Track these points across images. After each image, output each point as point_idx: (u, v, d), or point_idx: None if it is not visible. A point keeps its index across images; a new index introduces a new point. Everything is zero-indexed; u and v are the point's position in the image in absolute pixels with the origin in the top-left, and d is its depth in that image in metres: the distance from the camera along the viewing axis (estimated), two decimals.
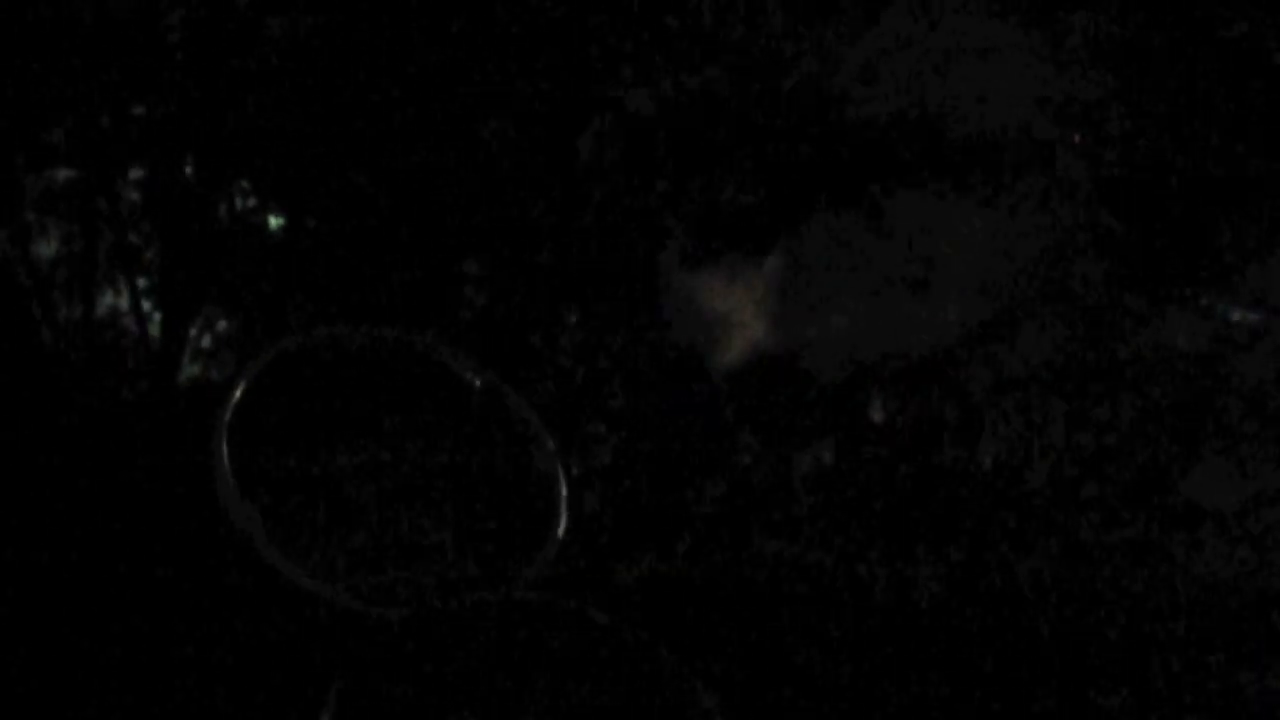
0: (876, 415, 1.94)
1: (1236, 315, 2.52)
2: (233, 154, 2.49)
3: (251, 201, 2.54)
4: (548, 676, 1.67)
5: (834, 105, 1.81)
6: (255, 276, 2.53)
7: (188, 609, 1.71)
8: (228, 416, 1.59)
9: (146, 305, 2.57)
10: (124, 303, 2.56)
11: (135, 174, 2.51)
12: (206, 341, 2.47)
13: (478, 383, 1.73)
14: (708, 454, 2.15)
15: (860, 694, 2.05)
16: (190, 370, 2.38)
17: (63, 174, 2.43)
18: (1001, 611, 2.18)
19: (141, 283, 2.56)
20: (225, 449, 1.58)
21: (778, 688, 2.01)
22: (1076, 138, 2.33)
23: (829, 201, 1.82)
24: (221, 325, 2.49)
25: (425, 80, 2.44)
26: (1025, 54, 2.00)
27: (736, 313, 1.89)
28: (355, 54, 2.42)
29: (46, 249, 2.50)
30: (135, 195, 2.52)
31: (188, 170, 2.49)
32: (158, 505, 1.87)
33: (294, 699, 1.58)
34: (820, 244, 1.84)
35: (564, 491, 1.70)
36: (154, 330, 2.54)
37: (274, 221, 2.52)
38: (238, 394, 1.61)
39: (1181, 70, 2.43)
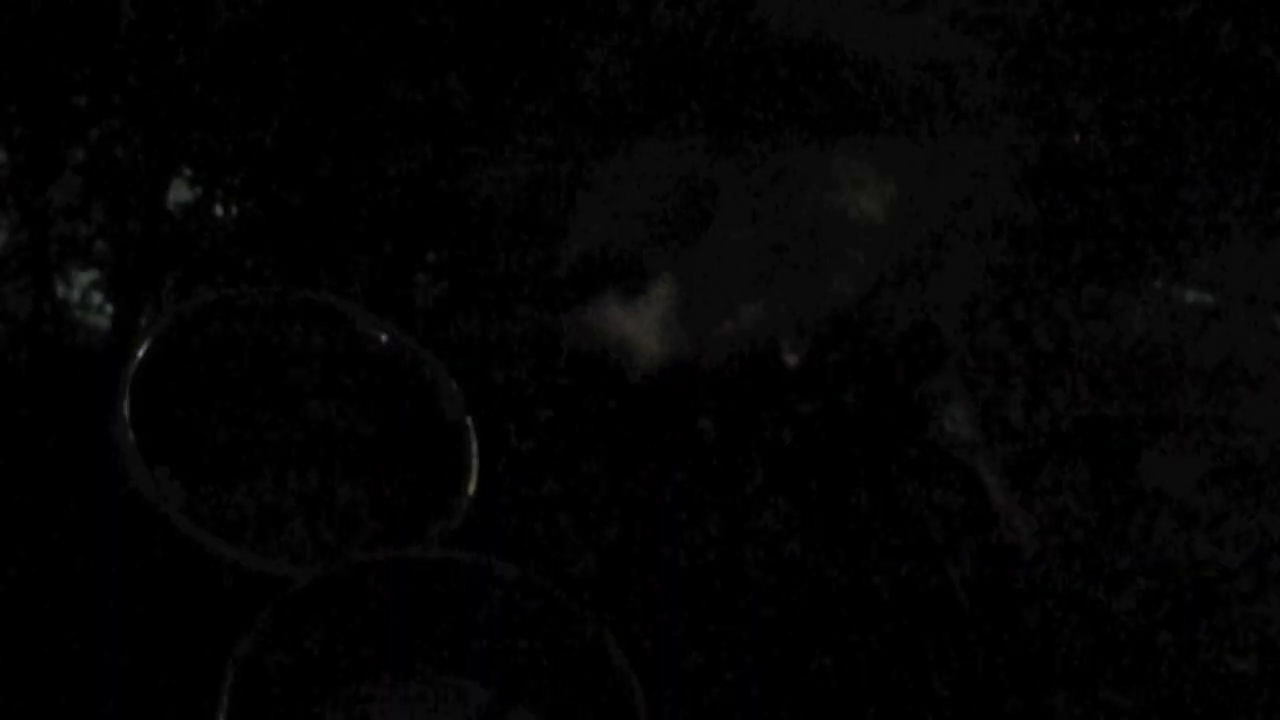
0: (790, 360, 1.93)
1: (1191, 298, 2.51)
2: (183, 143, 2.49)
3: (202, 191, 2.54)
4: (458, 632, 1.66)
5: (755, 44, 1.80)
6: (207, 267, 2.53)
7: (94, 575, 1.71)
8: (129, 379, 1.59)
9: (98, 297, 2.57)
10: (75, 294, 2.56)
11: (84, 164, 2.51)
12: None
13: (383, 338, 1.73)
14: (663, 441, 2.14)
15: (801, 675, 2.03)
16: None
17: (8, 162, 2.43)
18: (955, 596, 2.16)
19: (92, 274, 2.56)
20: (127, 412, 1.57)
21: (714, 666, 2.00)
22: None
23: (726, 196, 1.81)
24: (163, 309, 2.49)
25: (378, 67, 2.44)
26: (953, 11, 2.00)
27: (632, 341, 1.88)
28: (308, 39, 2.43)
29: None
30: (85, 185, 2.52)
31: (138, 160, 2.49)
32: (97, 486, 1.87)
33: (199, 661, 1.57)
34: (711, 252, 1.83)
35: (474, 448, 1.70)
36: (105, 322, 2.54)
37: (225, 211, 2.52)
38: (139, 357, 1.61)
39: (1130, 54, 2.43)
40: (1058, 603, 2.19)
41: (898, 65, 1.87)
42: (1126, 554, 2.28)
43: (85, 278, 2.56)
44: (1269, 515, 2.30)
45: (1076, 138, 2.34)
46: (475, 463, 1.71)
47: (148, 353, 1.62)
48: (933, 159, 1.89)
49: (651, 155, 1.80)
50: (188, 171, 2.50)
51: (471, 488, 1.70)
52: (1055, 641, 2.14)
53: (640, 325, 1.84)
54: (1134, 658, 2.15)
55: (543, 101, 2.02)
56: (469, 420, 1.74)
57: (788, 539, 2.09)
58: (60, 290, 2.54)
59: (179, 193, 2.56)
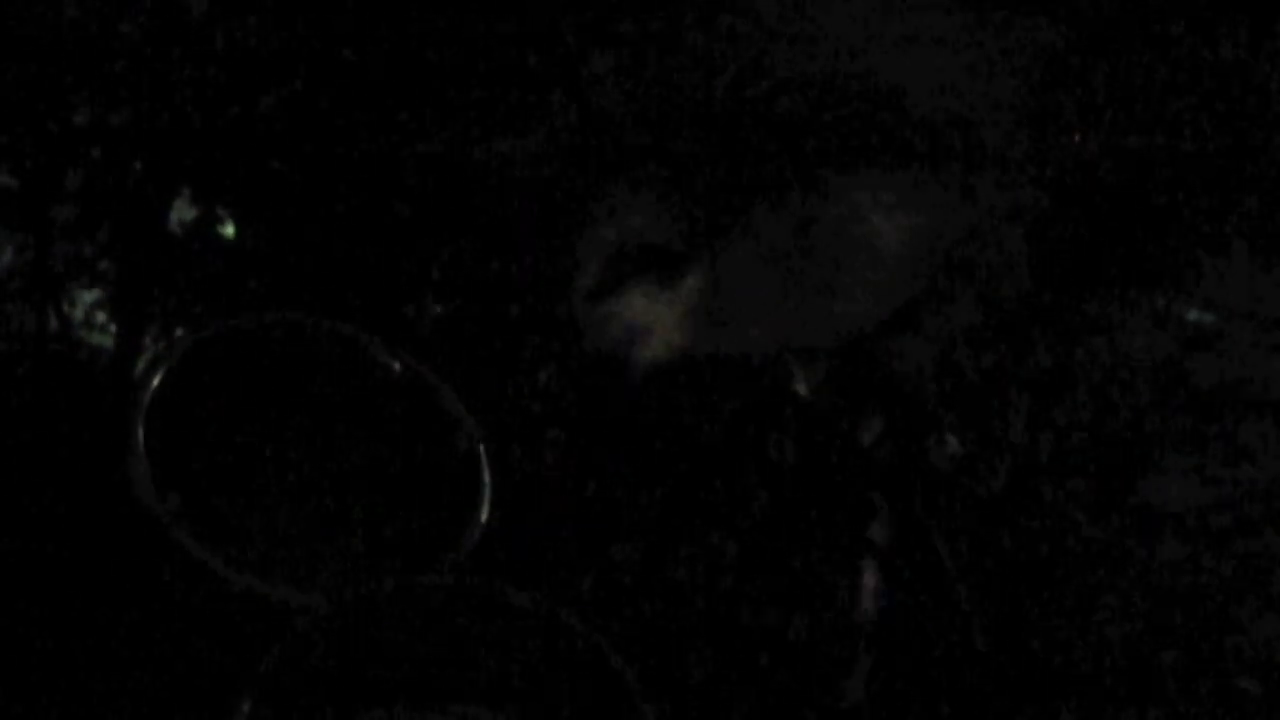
0: (801, 389, 1.94)
1: (1193, 316, 2.52)
2: (187, 162, 2.49)
3: (207, 210, 2.54)
4: (473, 660, 1.66)
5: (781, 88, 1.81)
6: (211, 286, 2.53)
7: (108, 603, 1.70)
8: (144, 406, 1.58)
9: (101, 316, 2.57)
10: (79, 313, 2.55)
11: (88, 183, 2.51)
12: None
13: (396, 366, 1.73)
14: (666, 457, 2.14)
15: (801, 696, 2.04)
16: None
17: (12, 182, 2.43)
18: (959, 615, 2.17)
19: (96, 293, 2.56)
20: (141, 438, 1.57)
21: (717, 683, 2.00)
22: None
23: (758, 202, 1.81)
24: (178, 335, 2.49)
25: (383, 87, 2.44)
26: (976, 50, 2.00)
27: (654, 329, 1.89)
28: (311, 58, 2.43)
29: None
30: (88, 204, 2.52)
31: (142, 179, 2.49)
32: (104, 509, 1.86)
33: (215, 689, 1.57)
34: (743, 252, 1.84)
35: (487, 475, 1.70)
36: (108, 341, 2.54)
37: (229, 230, 2.52)
38: (154, 383, 1.61)
39: (1129, 71, 2.44)
40: (1064, 622, 2.19)
41: (920, 98, 1.88)
42: (1130, 573, 2.28)
43: (88, 297, 2.55)
44: (1273, 534, 2.31)
45: (1076, 137, 2.34)
46: (488, 490, 1.71)
47: (162, 381, 1.62)
48: (951, 191, 1.90)
49: (676, 167, 1.81)
50: (189, 191, 2.50)
51: (485, 515, 1.71)
52: (1062, 660, 2.14)
53: (662, 326, 1.85)
54: (1139, 677, 2.15)
55: (560, 114, 2.03)
56: (482, 447, 1.74)
57: (792, 560, 2.10)
58: (64, 309, 2.54)
59: (182, 212, 2.55)
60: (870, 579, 1.97)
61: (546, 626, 1.63)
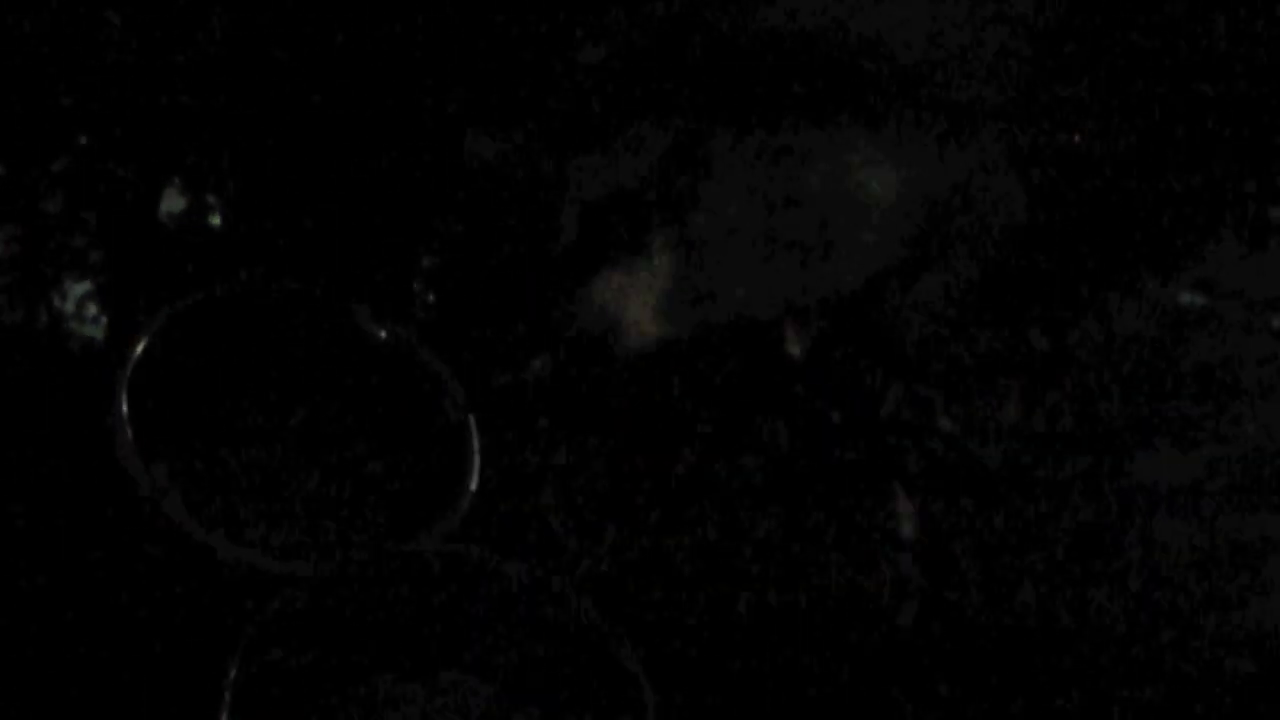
0: (794, 349, 1.93)
1: (1184, 299, 2.52)
2: (175, 152, 2.48)
3: (195, 199, 2.53)
4: (464, 629, 1.65)
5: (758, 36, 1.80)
6: (202, 276, 2.52)
7: (93, 573, 1.70)
8: (128, 376, 1.58)
9: (92, 308, 2.56)
10: (69, 305, 2.55)
11: (76, 174, 2.50)
12: None
13: (383, 335, 1.73)
14: (664, 440, 2.14)
15: (798, 674, 2.03)
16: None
17: (0, 171, 2.42)
18: (955, 596, 2.16)
19: (86, 285, 2.55)
20: (125, 408, 1.57)
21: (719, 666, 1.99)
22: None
23: (734, 163, 1.81)
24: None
25: (372, 75, 2.44)
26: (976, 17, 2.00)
27: (627, 319, 1.89)
28: (299, 45, 2.42)
29: None
30: (77, 195, 2.51)
31: (130, 169, 2.49)
32: (91, 480, 1.86)
33: (202, 657, 1.57)
34: (714, 221, 1.84)
35: (476, 444, 1.69)
36: (99, 333, 2.53)
37: (217, 220, 2.52)
38: (138, 352, 1.60)
39: (1123, 53, 2.44)
40: (1058, 601, 2.19)
41: (904, 48, 1.87)
42: (1124, 552, 2.27)
43: (79, 289, 2.54)
44: (1265, 513, 2.30)
45: (1076, 138, 2.34)
46: (477, 459, 1.71)
47: (146, 349, 1.62)
48: (938, 145, 1.90)
49: (641, 132, 1.81)
50: (179, 180, 2.49)
51: (474, 484, 1.70)
52: (1057, 639, 2.14)
53: (635, 316, 1.85)
54: (1134, 656, 2.15)
55: (536, 79, 2.02)
56: (471, 417, 1.74)
57: (786, 542, 2.09)
58: (55, 301, 2.53)
59: (171, 202, 2.55)
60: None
61: (538, 595, 1.62)
